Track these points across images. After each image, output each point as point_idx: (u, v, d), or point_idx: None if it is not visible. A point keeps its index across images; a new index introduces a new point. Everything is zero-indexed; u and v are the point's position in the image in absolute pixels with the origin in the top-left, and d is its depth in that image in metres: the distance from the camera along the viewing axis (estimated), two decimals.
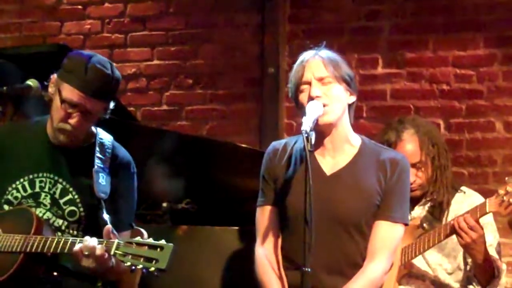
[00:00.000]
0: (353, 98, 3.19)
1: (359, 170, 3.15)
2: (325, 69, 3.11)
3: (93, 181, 3.22)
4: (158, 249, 2.86)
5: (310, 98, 3.07)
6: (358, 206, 3.11)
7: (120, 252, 2.91)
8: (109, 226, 3.04)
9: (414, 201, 3.86)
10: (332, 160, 3.18)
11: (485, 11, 5.28)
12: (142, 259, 2.86)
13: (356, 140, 3.22)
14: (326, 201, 3.02)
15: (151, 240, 2.90)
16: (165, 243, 2.88)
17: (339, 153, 3.18)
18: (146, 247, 2.88)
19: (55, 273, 3.21)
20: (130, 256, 2.88)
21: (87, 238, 3.01)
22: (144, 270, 2.87)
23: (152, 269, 2.84)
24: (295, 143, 3.26)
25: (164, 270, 2.84)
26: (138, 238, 2.93)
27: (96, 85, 3.16)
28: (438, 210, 3.86)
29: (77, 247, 3.01)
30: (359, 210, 3.11)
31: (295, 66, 3.19)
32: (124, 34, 6.01)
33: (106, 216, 3.17)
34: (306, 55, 3.17)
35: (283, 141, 3.32)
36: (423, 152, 3.86)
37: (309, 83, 3.10)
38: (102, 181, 3.25)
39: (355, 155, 3.18)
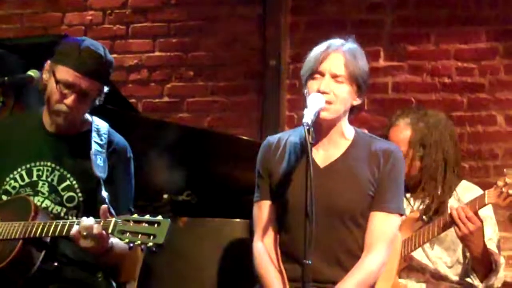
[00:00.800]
0: (359, 101, 3.18)
1: (352, 161, 3.15)
2: (343, 67, 3.09)
3: (91, 163, 3.24)
4: (155, 225, 2.90)
5: (318, 90, 3.06)
6: (353, 197, 3.11)
7: (118, 230, 2.93)
8: (105, 205, 3.05)
9: (412, 194, 3.88)
10: (325, 152, 3.18)
11: (487, 5, 5.28)
12: (140, 235, 2.89)
13: (350, 133, 3.22)
14: (321, 193, 3.00)
15: (148, 217, 2.93)
16: (162, 218, 2.91)
17: (332, 145, 3.18)
18: (144, 223, 2.91)
19: (55, 263, 3.23)
20: (128, 234, 2.91)
21: (84, 218, 3.02)
22: (142, 247, 2.90)
23: (150, 244, 2.87)
24: (289, 137, 3.26)
25: (161, 245, 2.87)
26: (135, 216, 2.96)
27: (90, 64, 3.21)
28: (434, 206, 3.86)
29: (74, 228, 3.02)
30: (353, 201, 3.11)
31: (316, 50, 3.15)
32: (126, 25, 6.00)
33: (104, 194, 3.19)
34: (332, 44, 3.14)
35: (277, 136, 3.32)
36: (410, 146, 3.88)
37: (323, 75, 3.09)
38: (100, 162, 3.28)
39: (348, 147, 3.19)
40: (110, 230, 2.95)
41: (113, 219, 2.97)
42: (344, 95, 3.10)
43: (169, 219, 2.91)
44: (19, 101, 4.00)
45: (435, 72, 5.35)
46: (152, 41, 5.94)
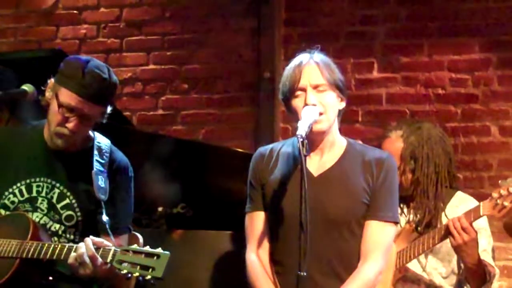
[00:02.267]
0: (343, 104, 3.20)
1: (346, 170, 3.16)
2: (321, 76, 3.11)
3: (93, 183, 3.22)
4: (155, 257, 2.86)
5: (305, 105, 3.07)
6: (347, 205, 3.12)
7: (117, 260, 2.91)
8: (101, 240, 3.03)
9: (405, 205, 3.89)
10: (318, 161, 3.19)
11: (480, 16, 5.30)
12: (138, 267, 2.86)
13: (342, 142, 3.24)
14: (316, 202, 3.01)
15: (148, 248, 2.90)
16: (161, 251, 2.88)
17: (326, 154, 3.20)
18: (143, 255, 2.88)
19: (50, 278, 3.21)
20: (126, 264, 2.88)
21: (81, 245, 3.00)
22: (140, 278, 2.87)
23: (149, 277, 2.84)
24: (281, 147, 3.27)
25: (160, 279, 2.84)
26: (135, 246, 2.93)
27: (94, 89, 3.16)
28: (426, 220, 3.87)
29: (71, 258, 3.00)
30: (348, 209, 3.12)
31: (288, 68, 3.18)
32: (120, 38, 6.01)
33: (105, 218, 3.17)
34: (301, 59, 3.17)
35: (269, 147, 3.32)
36: (402, 158, 3.89)
37: (305, 90, 3.10)
38: (102, 183, 3.25)
39: (341, 156, 3.20)
40: (108, 260, 2.93)
41: (112, 249, 2.94)
42: (332, 102, 3.12)
43: (168, 253, 2.87)
44: (14, 115, 4.00)
45: (429, 83, 5.36)
46: (146, 54, 5.95)
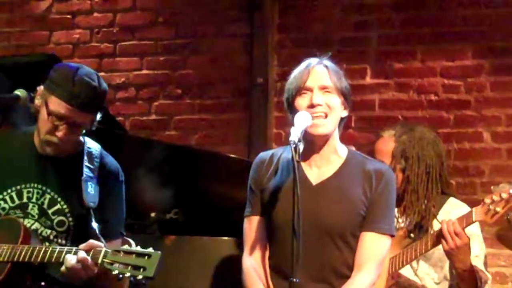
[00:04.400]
0: (346, 113, 3.21)
1: (345, 180, 3.16)
2: (329, 79, 3.13)
3: (82, 191, 3.21)
4: (146, 257, 2.86)
5: (311, 105, 3.07)
6: (344, 216, 3.11)
7: (108, 261, 2.91)
8: (92, 242, 3.03)
9: (398, 208, 3.90)
10: (318, 170, 3.19)
11: (473, 22, 5.31)
12: (129, 267, 2.86)
13: (343, 151, 3.24)
14: (312, 211, 3.02)
15: (138, 248, 2.90)
16: (152, 251, 2.88)
17: (326, 163, 3.19)
18: (134, 255, 2.88)
19: (42, 283, 3.20)
20: (117, 265, 2.88)
21: (68, 257, 2.98)
22: (131, 279, 2.87)
23: (140, 277, 2.84)
24: (282, 153, 3.26)
25: (151, 278, 2.84)
26: (125, 247, 2.93)
27: (84, 97, 3.15)
28: (416, 220, 3.87)
29: (62, 268, 2.99)
30: (344, 220, 3.11)
31: (297, 70, 3.18)
32: (113, 43, 6.01)
33: (95, 225, 3.16)
34: (311, 62, 3.18)
35: (270, 152, 3.33)
36: (393, 157, 3.90)
37: (311, 90, 3.11)
38: (91, 190, 3.24)
39: (341, 166, 3.20)
40: (99, 261, 2.93)
41: (103, 250, 2.95)
42: (336, 105, 3.13)
43: (159, 252, 2.87)
44: (6, 120, 3.98)
45: (422, 90, 5.37)
46: (139, 59, 5.95)
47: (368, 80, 5.47)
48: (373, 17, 5.49)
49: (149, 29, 5.94)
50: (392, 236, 3.20)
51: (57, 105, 3.16)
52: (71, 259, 2.98)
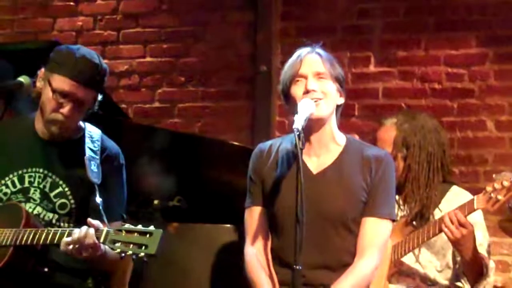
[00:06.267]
0: (342, 100, 3.22)
1: (345, 167, 3.17)
2: (322, 65, 3.14)
3: (86, 168, 3.24)
4: (147, 235, 2.89)
5: (306, 92, 3.09)
6: (345, 204, 3.13)
7: (110, 239, 2.93)
8: (94, 221, 3.04)
9: (399, 196, 3.89)
10: (317, 159, 3.20)
11: (477, 11, 5.30)
12: (131, 245, 2.89)
13: (341, 139, 3.25)
14: (314, 200, 3.03)
15: (140, 227, 2.93)
16: (154, 228, 2.90)
17: (325, 151, 3.20)
18: (136, 233, 2.91)
19: (45, 269, 3.22)
20: (119, 243, 2.90)
21: (75, 231, 3.01)
22: (134, 257, 2.89)
23: (142, 254, 2.87)
24: (280, 144, 3.28)
25: (154, 255, 2.87)
26: (127, 225, 2.95)
27: (87, 73, 3.21)
28: (417, 209, 3.87)
29: (65, 241, 3.01)
30: (345, 207, 3.13)
31: (290, 60, 3.21)
32: (117, 31, 6.01)
33: (98, 200, 3.19)
34: (303, 51, 3.20)
35: (268, 143, 3.34)
36: (394, 145, 3.91)
37: (305, 77, 3.12)
38: (94, 168, 3.28)
39: (340, 153, 3.21)
40: (101, 240, 2.96)
41: (105, 229, 2.97)
42: (331, 91, 3.14)
43: (161, 230, 2.90)
44: (9, 106, 3.99)
45: (425, 78, 5.36)
46: (143, 47, 5.95)
47: (372, 68, 5.47)
48: (377, 5, 5.48)
49: (153, 16, 5.93)
50: (393, 220, 3.22)
51: (61, 82, 3.20)
52: (75, 232, 3.00)
